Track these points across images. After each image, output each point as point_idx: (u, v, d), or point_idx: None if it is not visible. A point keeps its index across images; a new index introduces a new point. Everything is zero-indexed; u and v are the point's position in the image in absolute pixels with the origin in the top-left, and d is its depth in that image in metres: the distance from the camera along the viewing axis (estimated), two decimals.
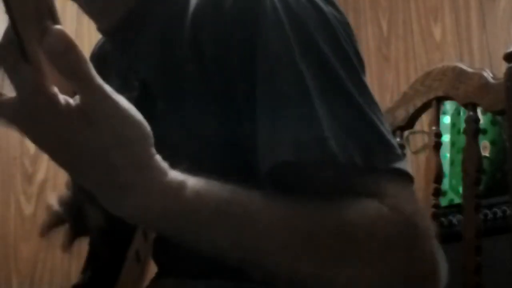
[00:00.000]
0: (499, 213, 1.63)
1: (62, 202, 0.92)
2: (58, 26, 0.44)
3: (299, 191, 0.60)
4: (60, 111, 0.47)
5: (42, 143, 0.50)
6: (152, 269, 0.79)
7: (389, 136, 0.64)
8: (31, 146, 2.06)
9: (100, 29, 0.82)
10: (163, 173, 0.53)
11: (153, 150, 0.52)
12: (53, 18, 0.45)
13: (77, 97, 0.48)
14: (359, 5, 2.64)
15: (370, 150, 0.61)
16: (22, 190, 2.15)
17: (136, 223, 0.56)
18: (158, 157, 0.53)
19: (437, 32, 2.43)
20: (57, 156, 0.50)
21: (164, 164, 0.53)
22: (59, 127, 0.48)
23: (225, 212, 0.55)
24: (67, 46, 0.45)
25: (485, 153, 1.75)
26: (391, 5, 2.59)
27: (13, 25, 0.44)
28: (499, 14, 2.28)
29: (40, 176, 2.15)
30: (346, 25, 0.69)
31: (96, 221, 0.73)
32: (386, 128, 0.64)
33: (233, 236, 0.56)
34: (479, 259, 1.04)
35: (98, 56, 0.89)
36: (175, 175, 0.54)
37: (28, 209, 2.13)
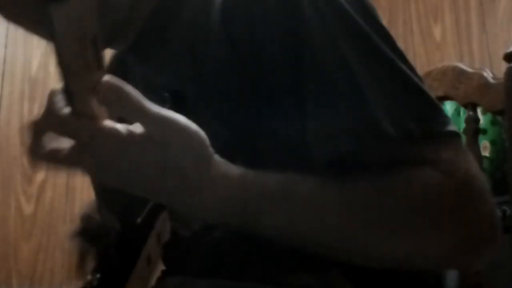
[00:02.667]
0: (499, 213, 1.63)
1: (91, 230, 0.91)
2: (107, 78, 0.48)
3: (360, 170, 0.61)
4: (125, 141, 0.51)
5: (115, 177, 0.53)
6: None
7: (436, 100, 0.65)
8: None
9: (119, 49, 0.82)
10: (227, 168, 0.57)
11: (212, 150, 0.56)
12: (100, 66, 0.48)
13: (137, 124, 0.52)
14: None
15: (426, 118, 0.62)
16: (22, 190, 2.15)
17: (209, 217, 0.60)
18: (217, 155, 0.57)
19: (437, 32, 2.43)
20: (132, 184, 0.54)
21: (223, 160, 0.58)
22: (131, 157, 0.52)
23: (287, 190, 0.59)
24: (118, 95, 0.49)
25: (485, 153, 1.75)
26: (391, 5, 2.58)
27: (65, 81, 0.47)
28: (499, 14, 2.28)
29: (40, 176, 2.15)
30: (374, 7, 0.70)
31: (112, 224, 0.73)
32: (431, 93, 0.65)
33: (295, 215, 0.59)
34: None
35: (117, 63, 0.86)
36: (234, 167, 0.58)
37: (28, 209, 2.13)
